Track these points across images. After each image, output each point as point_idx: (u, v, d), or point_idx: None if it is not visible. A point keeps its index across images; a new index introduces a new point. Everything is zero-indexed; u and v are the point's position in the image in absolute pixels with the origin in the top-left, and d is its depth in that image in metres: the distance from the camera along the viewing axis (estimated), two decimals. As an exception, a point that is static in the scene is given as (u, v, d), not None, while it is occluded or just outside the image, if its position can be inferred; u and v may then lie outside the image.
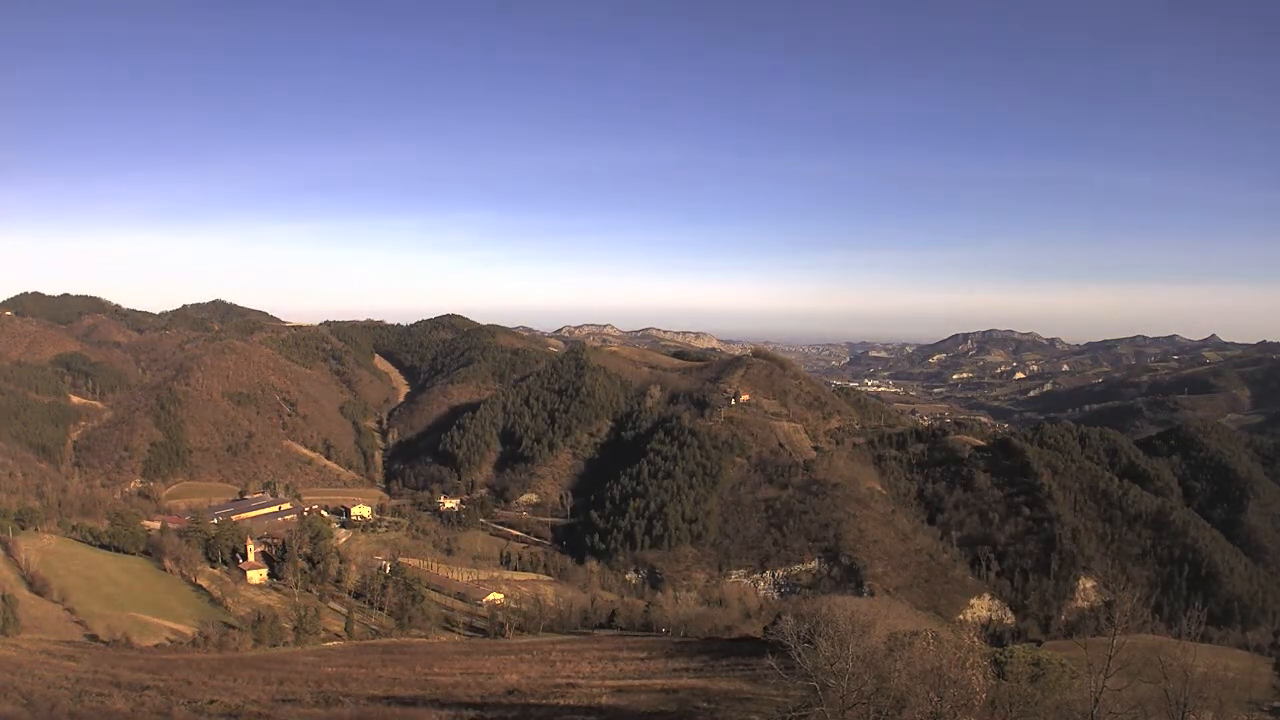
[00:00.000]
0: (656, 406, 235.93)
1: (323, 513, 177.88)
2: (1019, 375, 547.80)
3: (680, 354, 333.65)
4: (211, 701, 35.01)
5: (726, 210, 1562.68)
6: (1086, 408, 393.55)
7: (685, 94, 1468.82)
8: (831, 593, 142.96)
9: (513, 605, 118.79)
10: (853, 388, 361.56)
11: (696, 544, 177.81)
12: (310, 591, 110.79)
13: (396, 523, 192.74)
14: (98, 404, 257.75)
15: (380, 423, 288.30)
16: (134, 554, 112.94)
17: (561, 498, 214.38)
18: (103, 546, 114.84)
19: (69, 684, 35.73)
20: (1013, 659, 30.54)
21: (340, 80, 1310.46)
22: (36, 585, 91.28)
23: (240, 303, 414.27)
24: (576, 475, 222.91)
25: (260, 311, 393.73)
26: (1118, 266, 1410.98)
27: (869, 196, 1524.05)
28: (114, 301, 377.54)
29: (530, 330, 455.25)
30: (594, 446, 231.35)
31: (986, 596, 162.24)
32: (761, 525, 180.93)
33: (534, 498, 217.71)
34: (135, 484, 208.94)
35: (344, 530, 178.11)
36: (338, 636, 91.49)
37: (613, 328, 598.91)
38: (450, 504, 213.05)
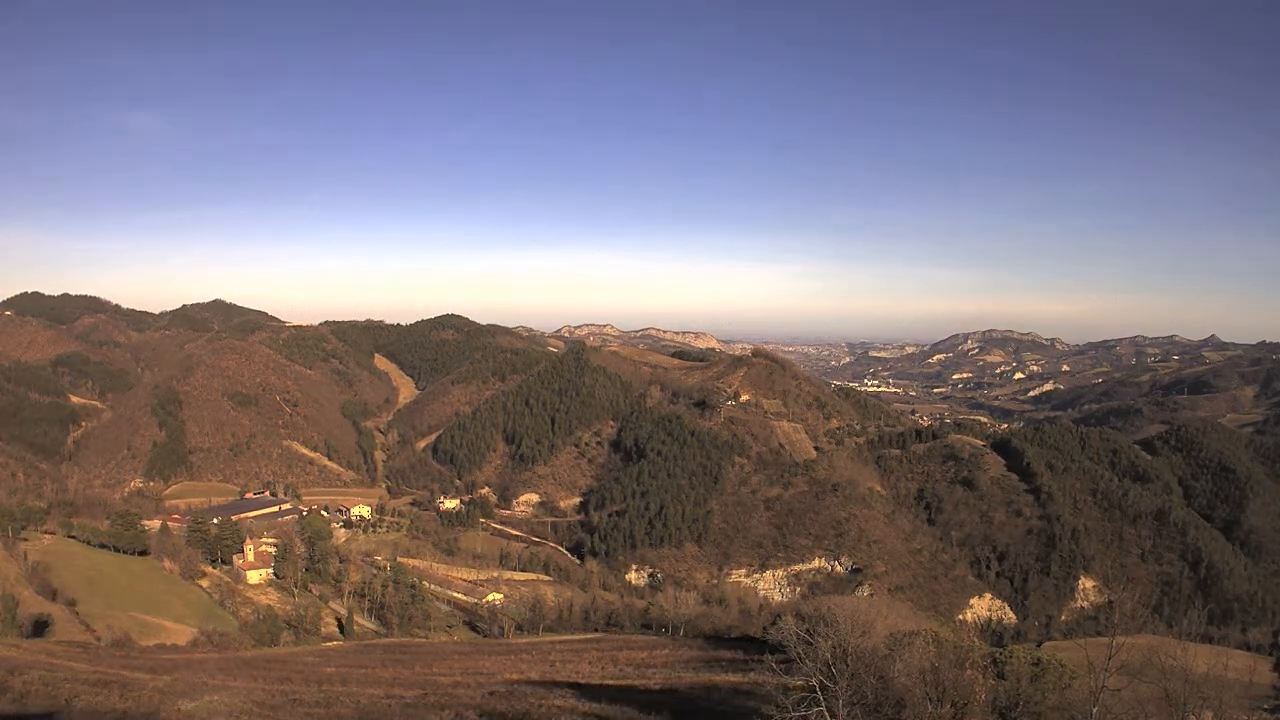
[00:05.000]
0: (657, 406, 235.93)
1: (323, 513, 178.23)
2: (1019, 375, 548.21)
3: (680, 354, 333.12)
4: (212, 701, 35.11)
5: (726, 211, 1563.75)
6: (1086, 408, 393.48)
7: (685, 93, 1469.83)
8: (832, 592, 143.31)
9: (513, 605, 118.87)
10: (853, 388, 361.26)
11: (697, 544, 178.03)
12: (310, 591, 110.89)
13: (397, 523, 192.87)
14: (98, 404, 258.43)
15: (381, 423, 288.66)
16: (135, 554, 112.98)
17: (562, 498, 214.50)
18: (103, 546, 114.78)
19: (70, 683, 35.83)
20: (1013, 659, 30.49)
21: (339, 79, 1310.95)
22: (37, 585, 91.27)
23: (240, 303, 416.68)
24: (577, 475, 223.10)
25: (260, 311, 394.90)
26: (1117, 267, 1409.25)
27: (870, 197, 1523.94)
28: (114, 301, 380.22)
29: (530, 330, 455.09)
30: (595, 446, 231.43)
31: (987, 596, 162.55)
32: (762, 525, 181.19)
33: (535, 498, 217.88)
34: (136, 484, 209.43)
35: (344, 530, 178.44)
36: (338, 636, 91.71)
37: (612, 328, 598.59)
38: (451, 504, 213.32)
